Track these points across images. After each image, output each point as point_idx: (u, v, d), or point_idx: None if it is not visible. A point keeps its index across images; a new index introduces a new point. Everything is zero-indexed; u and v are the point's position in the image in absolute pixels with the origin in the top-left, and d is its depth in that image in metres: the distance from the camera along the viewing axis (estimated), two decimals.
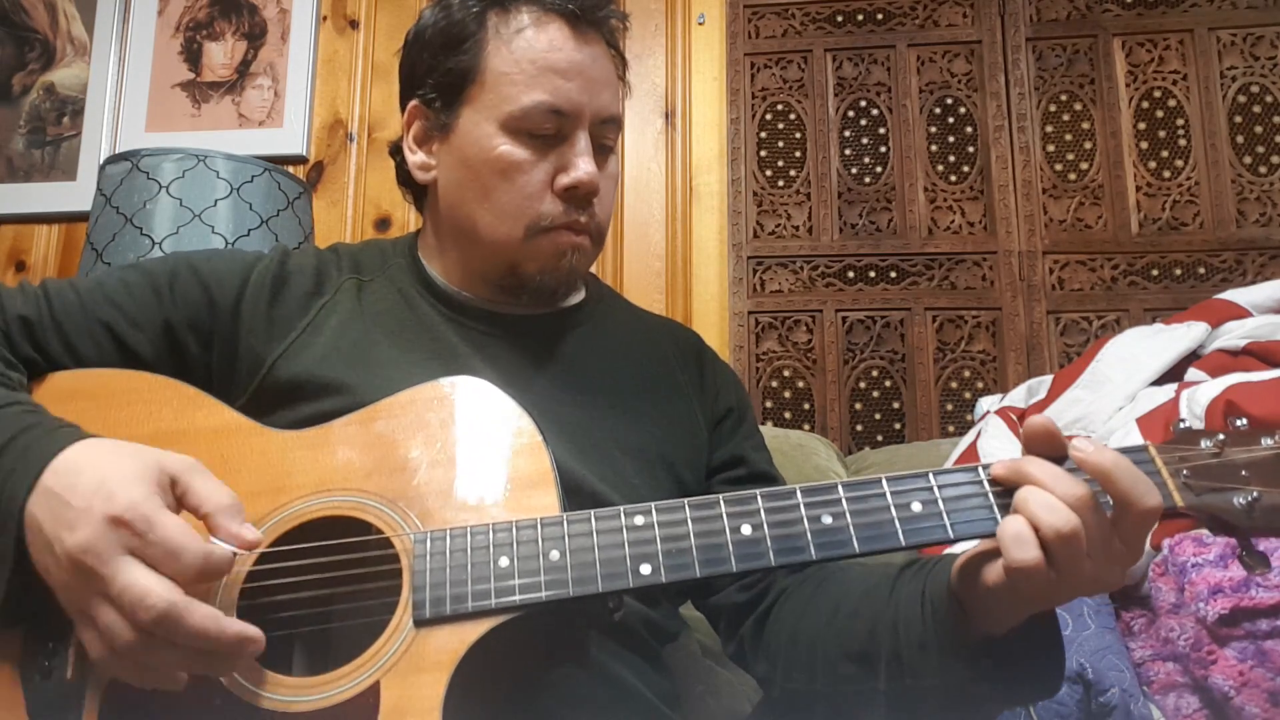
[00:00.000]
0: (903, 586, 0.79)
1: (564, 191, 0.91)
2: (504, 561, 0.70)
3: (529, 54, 0.90)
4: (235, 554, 0.64)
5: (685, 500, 0.72)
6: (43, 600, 0.65)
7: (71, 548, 0.61)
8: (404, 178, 1.03)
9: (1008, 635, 0.71)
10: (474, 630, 0.68)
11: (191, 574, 0.62)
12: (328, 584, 0.72)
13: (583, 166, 0.90)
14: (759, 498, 0.71)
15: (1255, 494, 0.65)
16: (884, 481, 0.70)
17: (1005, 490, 0.68)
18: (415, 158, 0.98)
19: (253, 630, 0.63)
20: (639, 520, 0.71)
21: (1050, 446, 0.69)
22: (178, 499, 0.66)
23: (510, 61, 0.90)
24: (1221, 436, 0.68)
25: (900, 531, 0.68)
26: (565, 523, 0.71)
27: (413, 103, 0.98)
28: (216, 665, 0.64)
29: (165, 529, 0.62)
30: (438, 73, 0.94)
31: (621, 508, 0.72)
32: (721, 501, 0.71)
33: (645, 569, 0.69)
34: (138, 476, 0.64)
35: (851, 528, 0.69)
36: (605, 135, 0.95)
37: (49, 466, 0.65)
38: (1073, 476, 0.65)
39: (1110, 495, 0.64)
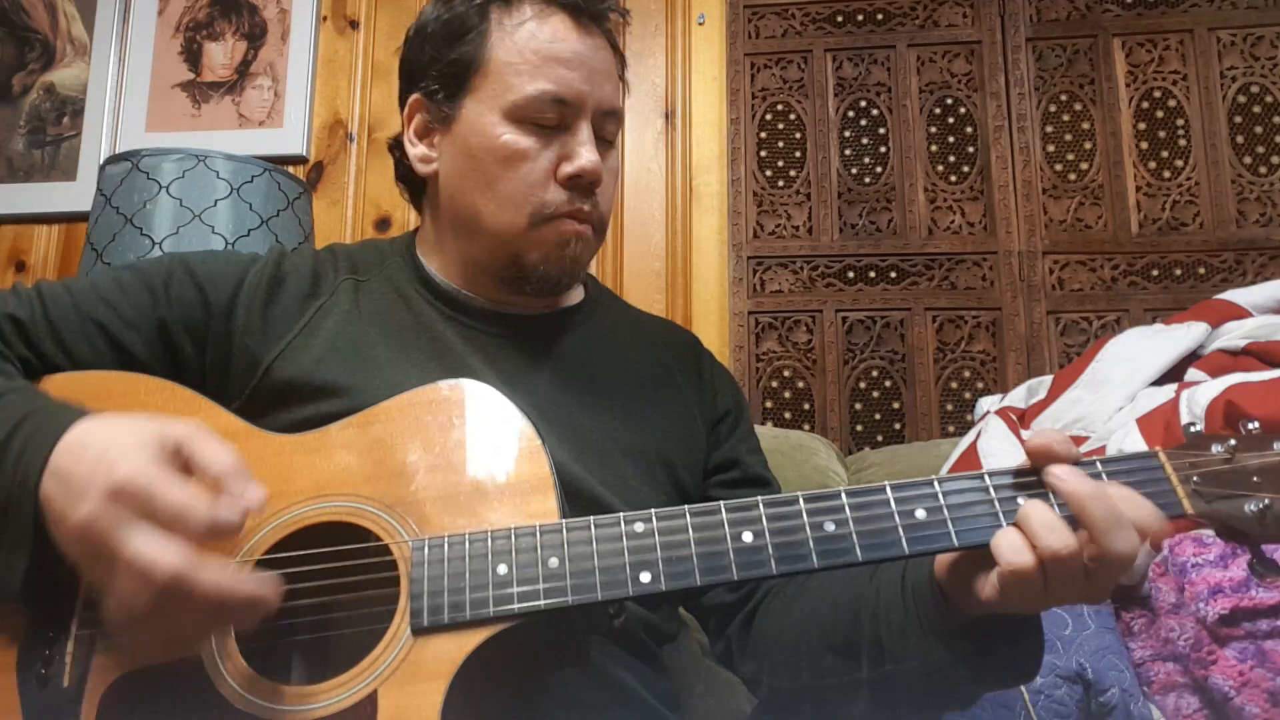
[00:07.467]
0: (884, 573, 0.79)
1: (567, 180, 0.91)
2: (502, 569, 0.69)
3: (532, 44, 0.91)
4: (245, 511, 0.63)
5: (686, 507, 0.71)
6: (61, 583, 0.67)
7: (79, 521, 0.61)
8: (402, 174, 1.03)
9: (987, 618, 0.71)
10: (472, 639, 0.67)
11: (200, 534, 0.61)
12: (325, 591, 0.71)
13: (586, 155, 0.91)
14: (760, 505, 0.70)
15: (1266, 501, 0.64)
16: (888, 488, 0.69)
17: (1010, 497, 0.68)
18: (416, 150, 0.98)
19: (267, 588, 0.62)
20: (639, 527, 0.70)
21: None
22: (184, 464, 0.65)
23: (514, 51, 0.91)
24: (1233, 442, 0.66)
25: (904, 539, 0.68)
26: (564, 530, 0.70)
27: (414, 96, 0.98)
28: (238, 621, 0.65)
29: (168, 493, 0.61)
30: (440, 64, 0.94)
31: (621, 515, 0.71)
32: (723, 508, 0.70)
33: (645, 577, 0.68)
34: (140, 445, 0.64)
35: (854, 535, 0.68)
36: (606, 128, 0.96)
37: (57, 446, 0.65)
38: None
39: (1083, 527, 0.64)
